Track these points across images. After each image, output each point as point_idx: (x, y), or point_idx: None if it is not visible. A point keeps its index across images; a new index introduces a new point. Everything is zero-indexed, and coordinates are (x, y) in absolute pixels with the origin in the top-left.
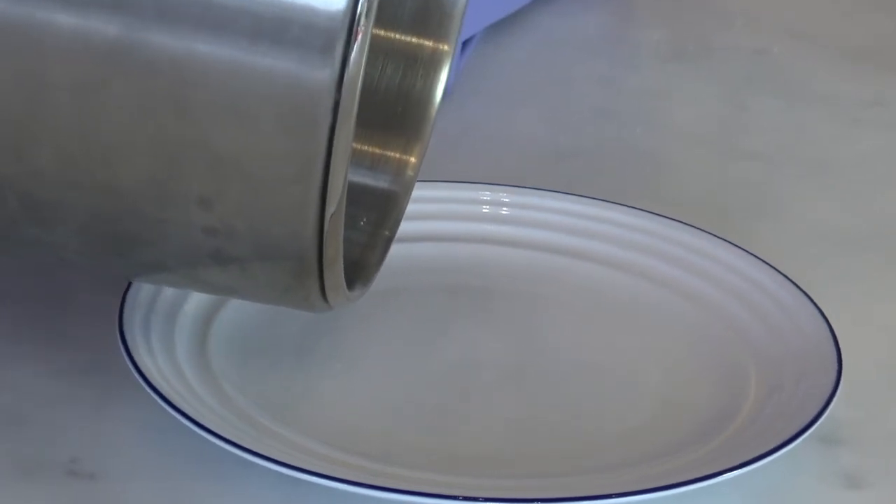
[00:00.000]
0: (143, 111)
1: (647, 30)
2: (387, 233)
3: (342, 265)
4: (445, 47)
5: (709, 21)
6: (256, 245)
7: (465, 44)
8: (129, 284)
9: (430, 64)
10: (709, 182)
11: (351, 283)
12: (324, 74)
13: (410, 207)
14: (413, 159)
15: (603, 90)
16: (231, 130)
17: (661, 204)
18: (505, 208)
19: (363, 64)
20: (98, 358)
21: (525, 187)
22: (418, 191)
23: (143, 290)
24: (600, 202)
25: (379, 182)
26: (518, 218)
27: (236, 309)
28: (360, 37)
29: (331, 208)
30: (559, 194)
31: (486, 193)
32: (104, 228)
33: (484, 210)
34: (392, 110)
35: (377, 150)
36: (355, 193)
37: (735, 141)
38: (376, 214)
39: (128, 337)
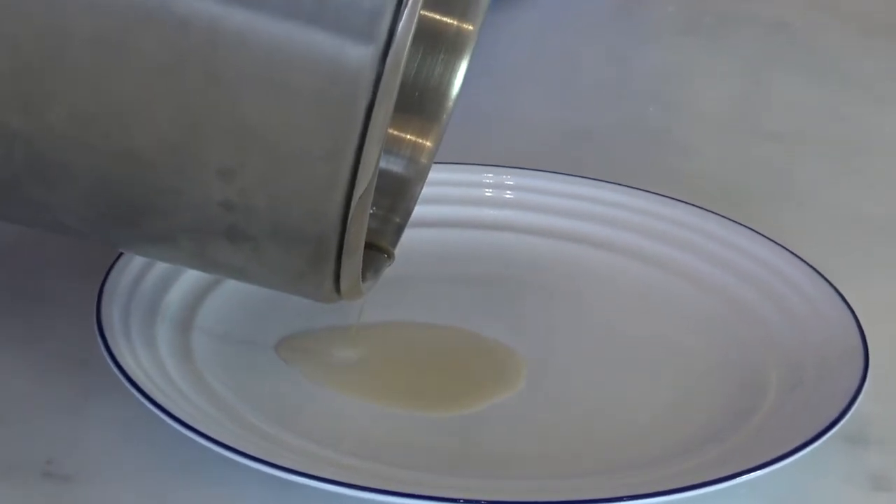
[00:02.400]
0: (169, 71)
1: (660, 1)
2: (398, 220)
3: (362, 253)
4: (470, 27)
5: None
6: (275, 224)
7: None
8: (107, 274)
9: (453, 46)
10: (726, 164)
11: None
12: (367, 47)
13: None
14: (429, 144)
15: (613, 66)
16: (262, 99)
17: (675, 187)
18: (509, 192)
19: (410, 38)
20: (74, 352)
21: (530, 169)
22: None
23: (122, 281)
24: (610, 185)
25: (393, 166)
26: (523, 202)
27: (222, 299)
28: (408, 9)
29: (359, 190)
30: (566, 177)
31: (488, 176)
32: (113, 194)
33: (486, 194)
34: (410, 92)
35: (393, 132)
36: None
37: (754, 120)
38: (388, 201)
39: (106, 330)
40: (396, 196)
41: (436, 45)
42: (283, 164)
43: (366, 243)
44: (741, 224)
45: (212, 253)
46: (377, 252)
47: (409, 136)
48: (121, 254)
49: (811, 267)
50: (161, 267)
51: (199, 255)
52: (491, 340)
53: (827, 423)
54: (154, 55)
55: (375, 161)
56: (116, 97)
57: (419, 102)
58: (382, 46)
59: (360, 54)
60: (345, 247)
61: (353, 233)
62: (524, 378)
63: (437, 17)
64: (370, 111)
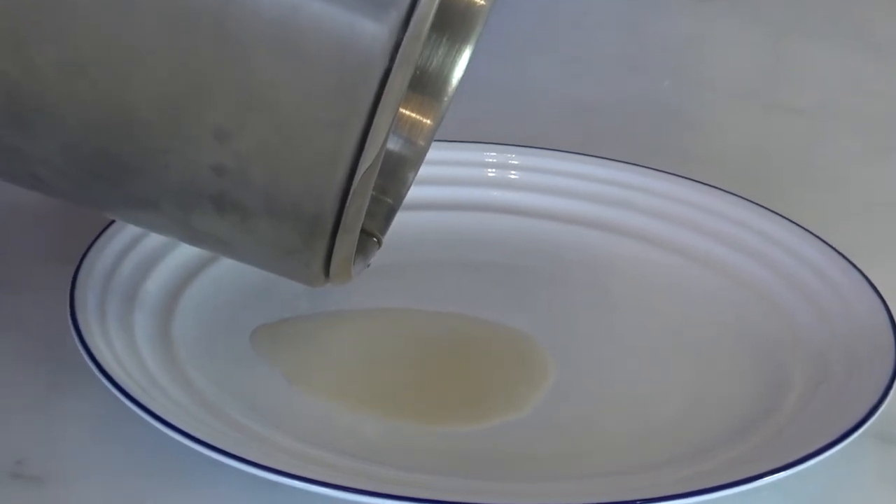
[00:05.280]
0: (178, 22)
1: None
2: (390, 201)
3: (358, 233)
4: (481, 1)
5: None
6: (267, 193)
7: None
8: (82, 259)
9: (462, 22)
10: (746, 142)
11: None
12: (388, 12)
13: None
14: (429, 122)
15: (625, 37)
16: (272, 58)
17: (691, 166)
18: (513, 172)
19: (436, 5)
20: (47, 344)
21: (536, 147)
22: None
23: (98, 267)
24: (622, 165)
25: (390, 143)
26: (528, 183)
27: (206, 286)
28: None
29: (364, 164)
30: (575, 156)
31: (491, 155)
32: (96, 148)
33: (489, 174)
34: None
35: None
36: None
37: (776, 94)
38: (381, 180)
39: (80, 320)
40: (389, 177)
41: (443, 18)
42: (286, 128)
43: None
44: (762, 206)
45: (197, 221)
46: (366, 236)
47: (407, 113)
48: (97, 238)
49: (839, 253)
50: (140, 252)
51: (182, 223)
52: (503, 329)
53: (856, 420)
54: (163, 2)
55: (384, 136)
56: (117, 44)
57: (420, 80)
58: (405, 12)
59: (381, 19)
60: (341, 225)
61: (353, 210)
62: (550, 379)
63: None
64: (385, 81)
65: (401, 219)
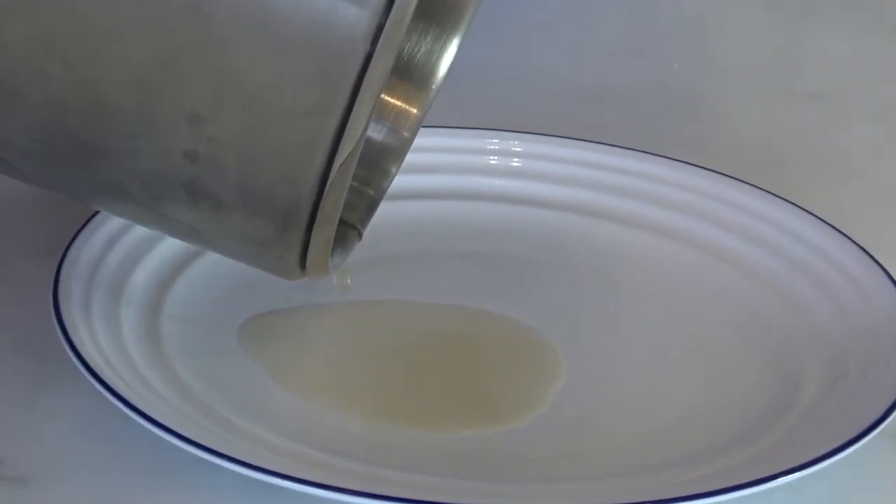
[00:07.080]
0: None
1: None
2: (371, 193)
3: (335, 227)
4: None
5: None
6: (242, 181)
7: None
8: (65, 253)
9: (451, 10)
10: (760, 129)
11: None
12: None
13: None
14: (415, 111)
15: (633, 19)
16: (250, 40)
17: (703, 154)
18: (516, 159)
19: None
20: (29, 341)
21: (540, 134)
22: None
23: (83, 257)
24: (630, 152)
25: (372, 133)
26: (532, 171)
27: (195, 279)
28: None
29: (343, 153)
30: (581, 143)
31: (493, 141)
32: (64, 130)
33: (491, 161)
34: (399, 54)
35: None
36: None
37: (791, 79)
38: (363, 171)
39: (64, 313)
40: (372, 167)
41: (432, 6)
42: (263, 114)
43: None
44: (777, 196)
45: (169, 209)
46: (346, 227)
47: (392, 102)
48: (81, 228)
49: (857, 245)
50: (127, 243)
51: (154, 210)
52: (507, 321)
53: (873, 419)
54: None
55: (364, 124)
56: (88, 21)
57: (407, 68)
58: None
59: (362, 2)
60: (318, 216)
61: (330, 202)
62: (563, 373)
63: None
64: (366, 66)
65: (399, 208)
